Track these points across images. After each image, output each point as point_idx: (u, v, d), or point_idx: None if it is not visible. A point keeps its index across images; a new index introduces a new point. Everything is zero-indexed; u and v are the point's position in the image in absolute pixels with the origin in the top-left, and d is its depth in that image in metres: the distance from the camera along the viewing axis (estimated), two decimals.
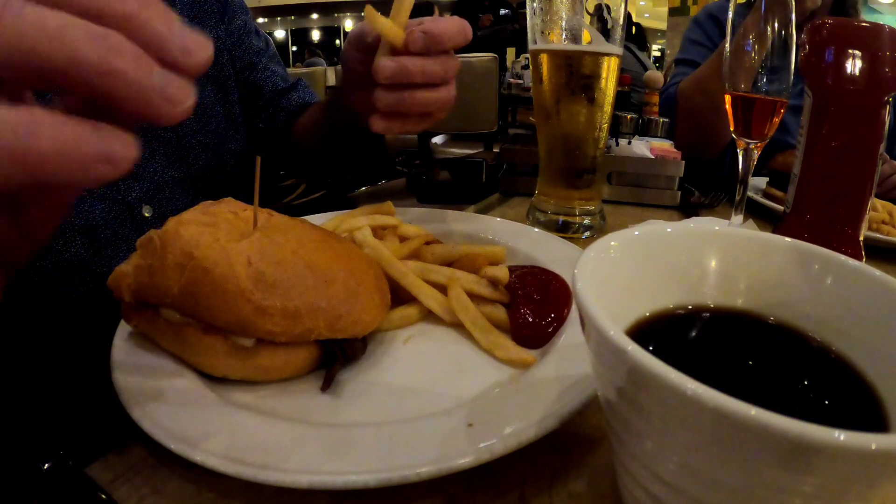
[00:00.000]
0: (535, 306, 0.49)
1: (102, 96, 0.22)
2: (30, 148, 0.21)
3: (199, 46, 0.24)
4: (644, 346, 0.22)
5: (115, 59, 0.22)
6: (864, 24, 0.59)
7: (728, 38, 0.67)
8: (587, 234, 0.78)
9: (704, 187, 1.07)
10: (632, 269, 0.32)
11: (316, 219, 0.62)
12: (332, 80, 6.53)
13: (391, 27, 0.52)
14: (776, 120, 0.67)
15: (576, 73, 0.70)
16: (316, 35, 15.79)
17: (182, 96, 0.24)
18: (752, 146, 0.69)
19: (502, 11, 5.26)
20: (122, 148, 0.23)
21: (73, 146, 0.21)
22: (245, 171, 0.88)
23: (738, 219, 0.73)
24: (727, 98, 0.68)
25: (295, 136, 0.93)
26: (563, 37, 0.70)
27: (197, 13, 0.82)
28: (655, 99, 1.24)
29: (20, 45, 0.21)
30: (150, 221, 0.72)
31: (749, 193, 0.93)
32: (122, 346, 0.42)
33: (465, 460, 0.32)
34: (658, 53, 8.72)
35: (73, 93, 0.23)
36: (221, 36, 0.86)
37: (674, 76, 1.46)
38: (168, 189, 0.75)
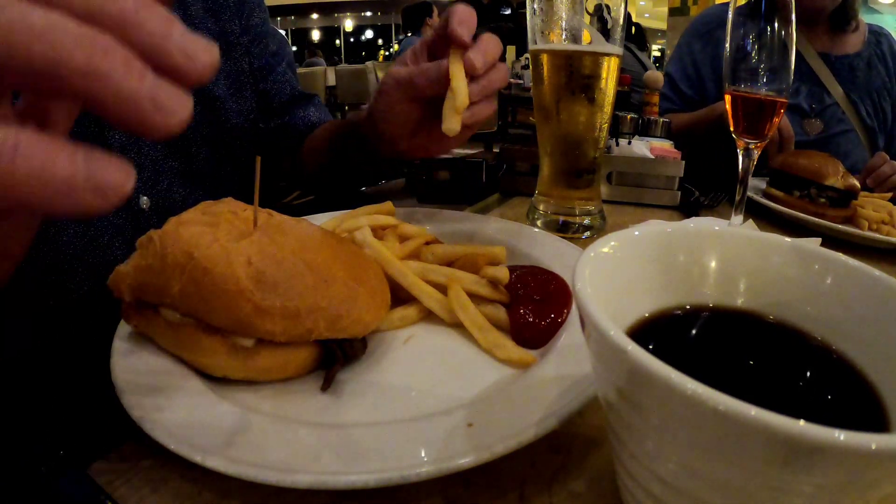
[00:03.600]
0: (535, 306, 0.49)
1: (89, 102, 0.21)
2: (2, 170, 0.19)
3: (202, 50, 0.22)
4: (644, 346, 0.22)
5: (101, 62, 0.20)
6: None
7: (728, 38, 0.67)
8: (587, 234, 0.78)
9: (704, 187, 1.07)
10: (632, 269, 0.32)
11: (316, 219, 0.62)
12: (332, 80, 6.51)
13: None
14: (776, 120, 0.67)
15: (576, 73, 0.70)
16: (316, 35, 15.80)
17: (175, 105, 0.22)
18: (752, 146, 0.69)
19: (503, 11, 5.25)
20: (113, 177, 0.20)
21: (54, 171, 0.19)
22: (247, 170, 0.87)
23: (738, 219, 0.73)
24: (727, 98, 0.68)
25: (301, 158, 0.93)
26: (563, 37, 0.70)
27: (211, 6, 0.81)
28: (655, 99, 1.24)
29: (3, 42, 0.19)
30: (147, 213, 0.71)
31: (749, 193, 0.93)
32: (122, 346, 0.42)
33: (465, 460, 0.32)
34: (658, 53, 8.72)
35: (60, 97, 0.22)
36: (236, 31, 0.84)
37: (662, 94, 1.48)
38: (167, 180, 0.74)
